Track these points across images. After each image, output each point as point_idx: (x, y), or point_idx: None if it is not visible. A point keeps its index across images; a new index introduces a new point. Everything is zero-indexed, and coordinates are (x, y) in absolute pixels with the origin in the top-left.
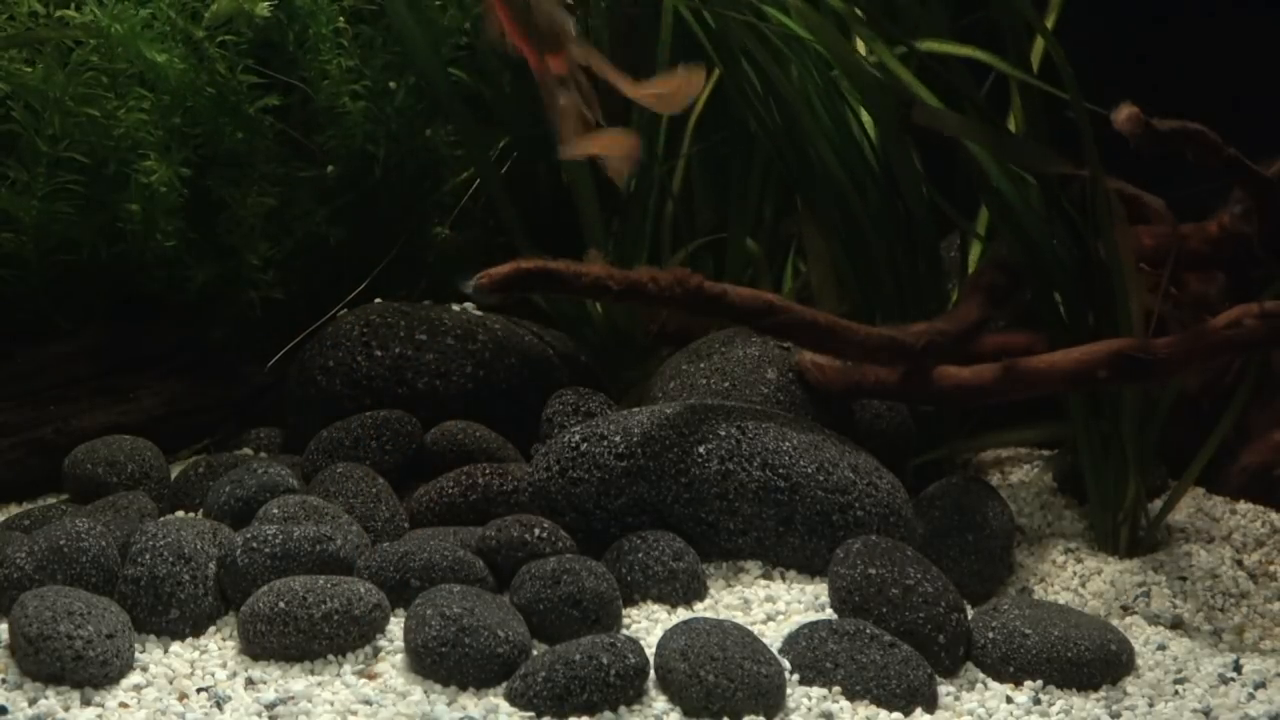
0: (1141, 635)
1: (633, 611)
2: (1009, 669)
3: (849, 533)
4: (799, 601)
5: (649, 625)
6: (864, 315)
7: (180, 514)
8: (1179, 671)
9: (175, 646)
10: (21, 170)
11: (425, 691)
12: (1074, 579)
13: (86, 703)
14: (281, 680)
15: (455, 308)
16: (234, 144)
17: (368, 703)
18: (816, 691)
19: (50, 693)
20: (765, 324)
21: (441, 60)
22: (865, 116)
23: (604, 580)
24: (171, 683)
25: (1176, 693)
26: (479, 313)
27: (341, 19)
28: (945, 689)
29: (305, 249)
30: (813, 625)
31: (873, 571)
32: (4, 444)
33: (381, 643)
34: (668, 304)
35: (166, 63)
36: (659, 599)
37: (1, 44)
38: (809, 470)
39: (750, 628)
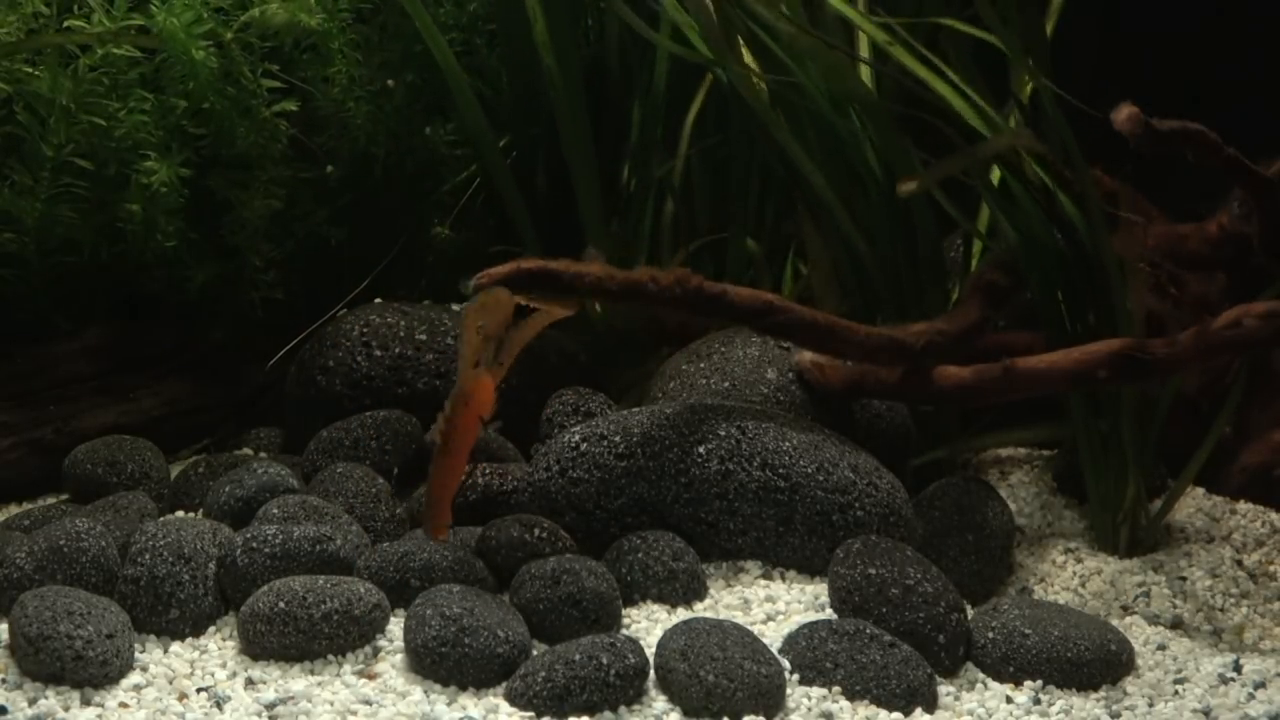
0: (1141, 635)
1: (633, 611)
2: (1009, 669)
3: (849, 533)
4: (799, 601)
5: (649, 625)
6: (864, 315)
7: (180, 514)
8: (1179, 671)
9: (175, 646)
10: (25, 173)
11: (425, 691)
12: (1074, 579)
13: (86, 703)
14: (281, 680)
15: (455, 308)
16: (246, 146)
17: (368, 703)
18: (816, 691)
19: (50, 693)
20: (765, 324)
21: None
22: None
23: (604, 580)
24: (171, 683)
25: (1176, 693)
26: None
27: (349, 26)
28: (945, 689)
29: (306, 249)
30: (813, 625)
31: (873, 571)
32: (4, 444)
33: (381, 643)
34: (668, 304)
35: (203, 60)
36: (659, 599)
37: (23, 47)
38: (809, 470)
39: (750, 628)
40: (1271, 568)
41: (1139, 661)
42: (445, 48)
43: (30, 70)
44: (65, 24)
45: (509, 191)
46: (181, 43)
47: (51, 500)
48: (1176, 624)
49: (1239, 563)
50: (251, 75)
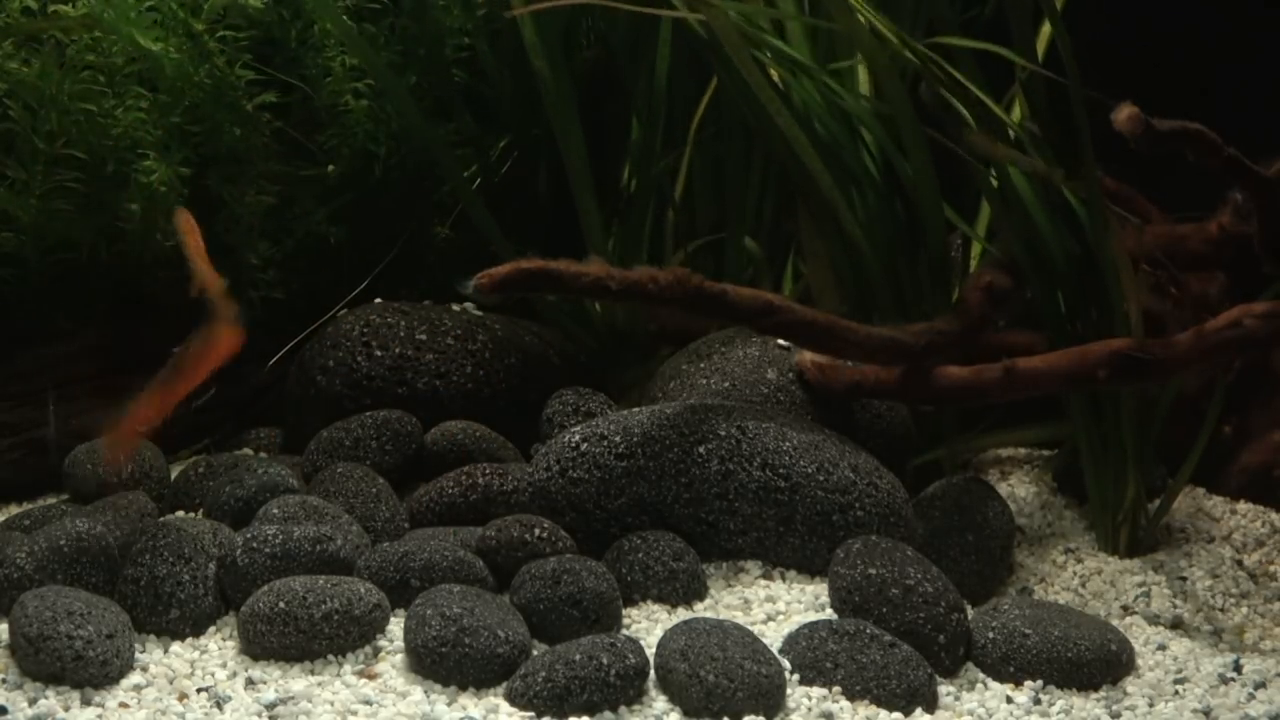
0: (1141, 635)
1: (633, 611)
2: (1009, 669)
3: (849, 533)
4: (799, 601)
5: (649, 625)
6: (863, 316)
7: (180, 514)
8: (1179, 671)
9: (175, 646)
10: (19, 169)
11: (425, 691)
12: (1074, 579)
13: (86, 703)
14: (281, 680)
15: (455, 308)
16: (232, 141)
17: (368, 703)
18: (816, 691)
19: (50, 693)
20: (765, 324)
21: (427, 72)
22: (864, 115)
23: (604, 580)
24: (171, 683)
25: (1176, 693)
26: (479, 312)
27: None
28: (945, 689)
29: (306, 249)
30: (813, 625)
31: (873, 571)
32: (4, 444)
33: (381, 643)
34: (668, 304)
35: (162, 52)
36: (659, 599)
37: None
38: (809, 470)
39: (750, 628)
40: (1271, 568)
41: (1139, 661)
42: (400, 90)
43: (24, 67)
44: (51, 10)
45: (480, 214)
46: (125, 32)
47: (51, 500)
48: (1176, 624)
49: (1239, 563)
50: (227, 67)
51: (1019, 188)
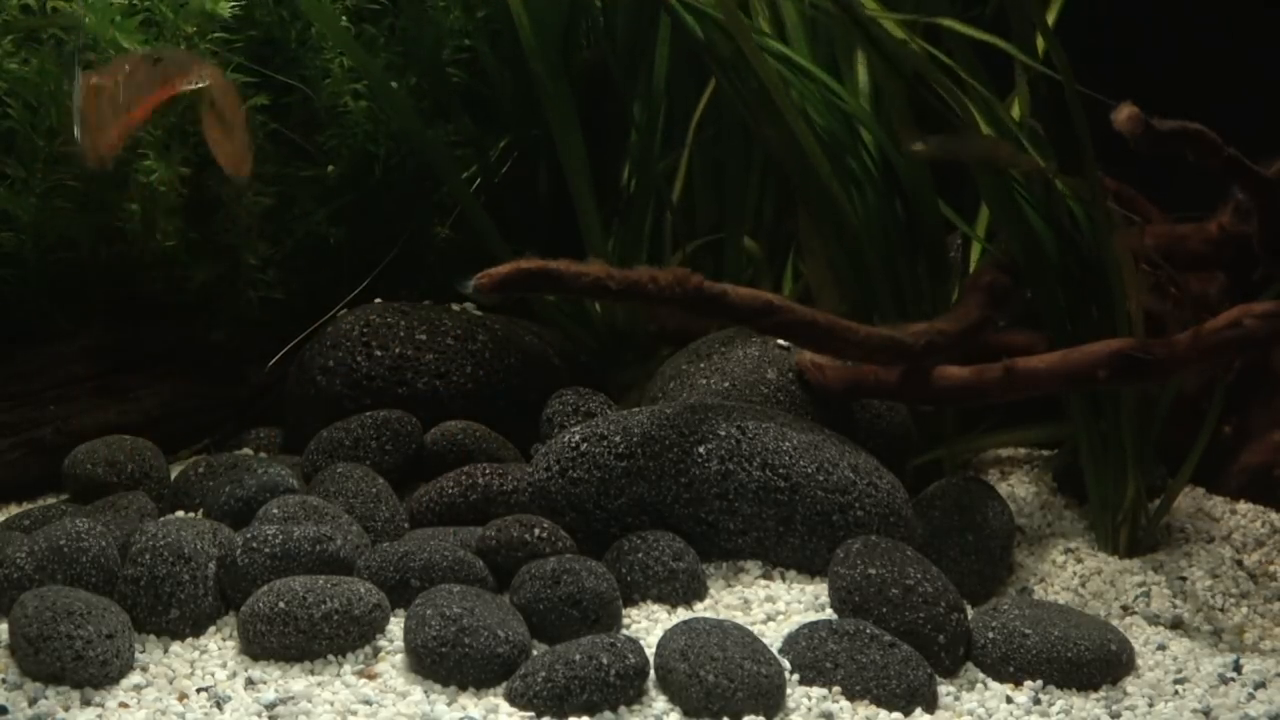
0: (1141, 635)
1: (633, 611)
2: (1009, 669)
3: (849, 533)
4: (799, 601)
5: (649, 625)
6: (863, 316)
7: (180, 514)
8: (1179, 671)
9: (175, 646)
10: (19, 168)
11: (425, 691)
12: (1074, 579)
13: (86, 703)
14: (281, 680)
15: (455, 308)
16: None
17: (368, 703)
18: (816, 691)
19: (50, 693)
20: (765, 324)
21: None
22: (862, 113)
23: (604, 580)
24: (171, 683)
25: (1176, 693)
26: (479, 313)
27: (344, 18)
28: (945, 689)
29: (305, 249)
30: (813, 625)
31: (873, 571)
32: (4, 444)
33: (381, 643)
34: (668, 304)
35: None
36: (659, 599)
37: None
38: (809, 470)
39: (750, 628)
40: (1271, 568)
41: (1139, 661)
42: (405, 101)
43: (23, 65)
44: (50, 8)
45: (477, 215)
46: (108, 35)
47: (51, 500)
48: (1176, 624)
49: (1239, 563)
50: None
51: (1013, 190)
